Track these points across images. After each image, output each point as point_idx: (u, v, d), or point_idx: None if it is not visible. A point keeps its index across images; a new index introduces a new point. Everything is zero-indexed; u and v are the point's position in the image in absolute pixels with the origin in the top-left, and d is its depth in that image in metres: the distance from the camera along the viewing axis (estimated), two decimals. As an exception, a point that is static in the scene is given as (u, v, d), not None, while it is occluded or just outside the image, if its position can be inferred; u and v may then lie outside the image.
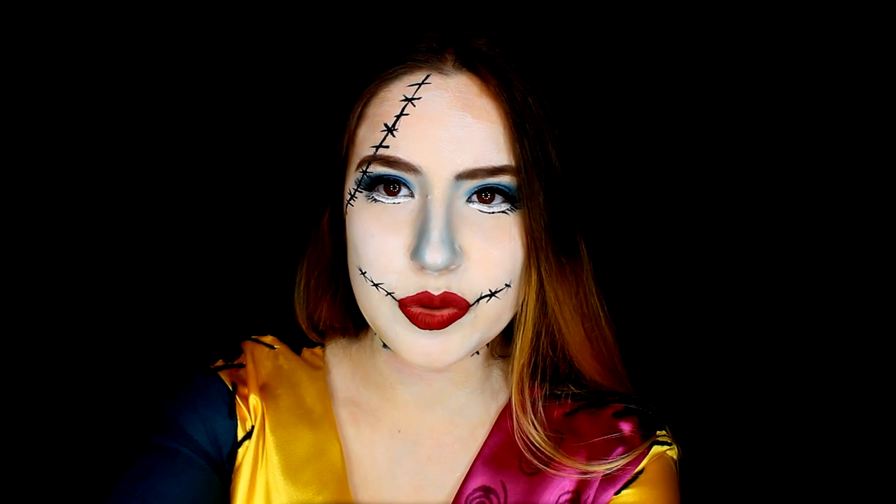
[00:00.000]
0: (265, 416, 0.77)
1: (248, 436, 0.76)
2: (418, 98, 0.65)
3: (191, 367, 0.81)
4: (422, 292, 0.66)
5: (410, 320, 0.67)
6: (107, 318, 1.11)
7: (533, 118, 0.66)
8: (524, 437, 0.75)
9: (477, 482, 0.76)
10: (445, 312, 0.66)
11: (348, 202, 0.69)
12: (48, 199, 1.09)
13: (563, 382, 0.77)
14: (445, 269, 0.65)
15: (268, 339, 0.83)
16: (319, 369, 0.81)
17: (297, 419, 0.78)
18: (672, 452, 0.77)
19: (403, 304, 0.66)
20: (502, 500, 0.75)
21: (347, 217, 0.70)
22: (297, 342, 0.83)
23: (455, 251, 0.65)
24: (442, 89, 0.65)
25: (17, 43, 1.05)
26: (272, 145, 1.07)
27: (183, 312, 1.10)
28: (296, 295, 0.80)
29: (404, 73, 0.66)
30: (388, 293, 0.67)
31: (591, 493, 0.75)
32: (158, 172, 1.10)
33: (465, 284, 0.66)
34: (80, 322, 1.10)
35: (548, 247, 0.67)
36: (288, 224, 0.89)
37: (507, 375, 0.79)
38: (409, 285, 0.66)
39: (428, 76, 0.65)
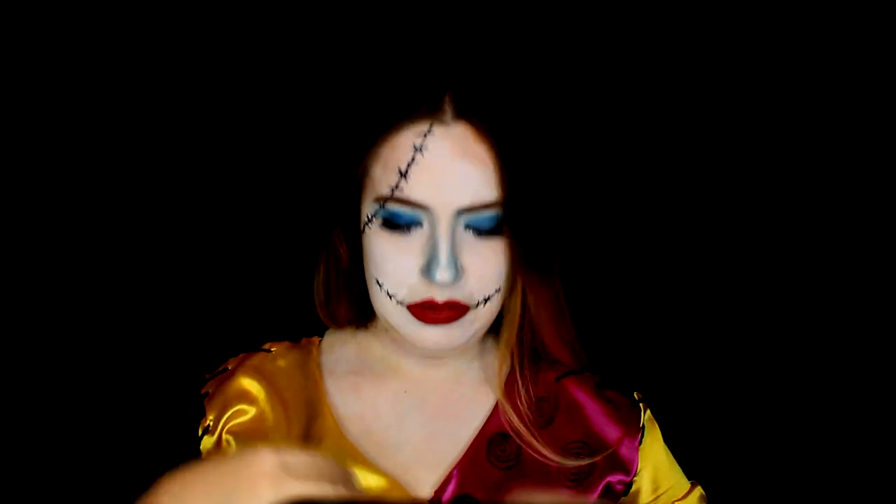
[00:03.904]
0: (257, 405, 0.87)
1: (205, 431, 0.86)
2: (426, 148, 0.77)
3: (199, 369, 0.91)
4: (428, 299, 0.80)
5: (418, 318, 0.81)
6: (116, 319, 1.15)
7: (519, 156, 0.79)
8: (522, 399, 0.88)
9: (495, 428, 0.87)
10: (449, 313, 0.80)
11: (366, 224, 0.82)
12: (70, 202, 1.13)
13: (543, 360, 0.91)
14: (451, 284, 0.79)
15: (265, 346, 0.93)
16: (312, 354, 0.92)
17: (297, 401, 0.88)
18: (648, 410, 0.92)
19: (412, 308, 0.81)
20: (516, 448, 0.86)
21: (365, 237, 0.83)
22: (297, 333, 0.95)
23: (458, 269, 0.79)
24: (444, 139, 0.78)
25: (17, 43, 1.08)
26: (287, 158, 1.14)
27: (193, 311, 1.16)
28: (315, 293, 0.91)
29: (411, 124, 0.78)
30: (400, 302, 0.81)
31: (602, 445, 0.87)
32: (170, 175, 1.15)
33: (465, 294, 0.81)
34: (92, 324, 1.15)
35: (527, 264, 0.82)
36: (297, 228, 0.99)
37: (502, 344, 0.90)
38: (418, 294, 0.80)
39: (431, 126, 0.78)
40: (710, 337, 1.18)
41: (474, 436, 0.86)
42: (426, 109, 0.78)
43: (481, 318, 0.83)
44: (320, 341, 0.94)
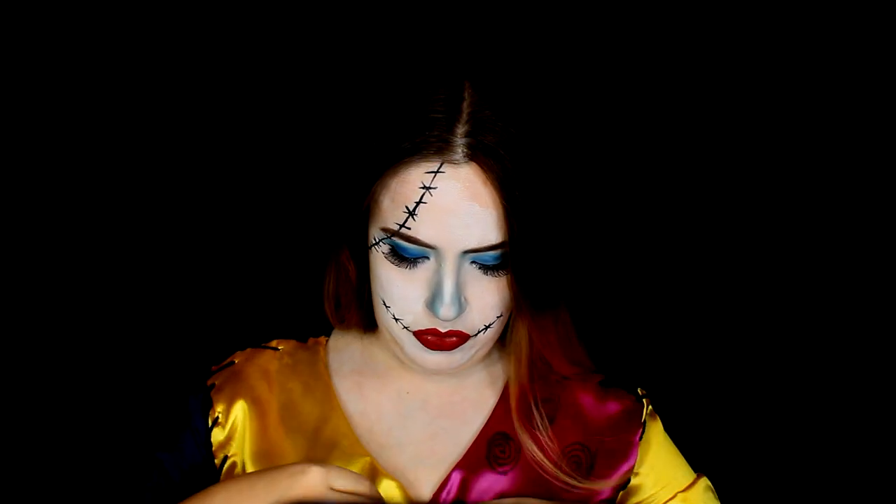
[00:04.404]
0: (263, 403, 0.89)
1: (214, 423, 0.88)
2: (434, 188, 0.77)
3: (204, 365, 0.93)
4: (431, 329, 0.82)
5: (423, 344, 0.83)
6: (120, 318, 1.17)
7: (524, 199, 0.79)
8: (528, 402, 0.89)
9: (496, 428, 0.88)
10: (452, 340, 0.82)
11: (373, 246, 0.83)
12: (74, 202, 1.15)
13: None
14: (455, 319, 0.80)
15: (272, 343, 0.95)
16: (319, 354, 0.94)
17: (304, 399, 0.90)
18: (650, 405, 0.93)
19: (417, 333, 0.83)
20: (516, 449, 0.87)
21: (372, 256, 0.83)
22: (304, 333, 0.96)
23: (461, 304, 0.81)
24: (453, 179, 0.77)
25: (17, 43, 1.09)
26: (299, 163, 1.15)
27: (202, 309, 1.18)
28: (325, 297, 0.92)
29: (422, 160, 0.78)
30: (406, 327, 0.83)
31: (602, 445, 0.89)
32: (176, 176, 1.17)
33: (468, 324, 0.82)
34: (95, 324, 1.17)
35: (531, 302, 0.83)
36: (305, 241, 1.00)
37: (504, 352, 0.92)
38: (422, 323, 0.82)
39: (442, 164, 0.77)
40: (712, 335, 1.20)
41: (475, 436, 0.88)
42: (437, 147, 0.77)
43: (482, 342, 0.84)
44: (327, 341, 0.95)
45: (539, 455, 0.86)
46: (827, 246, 1.16)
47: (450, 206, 0.77)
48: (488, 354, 0.91)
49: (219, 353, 0.94)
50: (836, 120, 1.13)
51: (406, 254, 0.80)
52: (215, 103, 1.15)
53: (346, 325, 0.92)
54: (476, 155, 0.77)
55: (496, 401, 0.90)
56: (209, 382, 0.90)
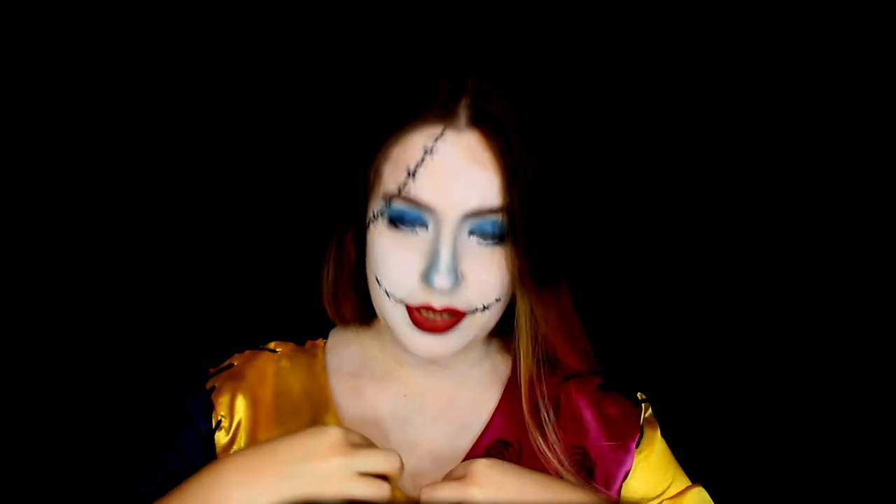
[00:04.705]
0: (262, 405, 0.88)
1: (217, 426, 0.87)
2: (436, 150, 0.78)
3: (202, 367, 0.92)
4: (426, 304, 0.80)
5: (416, 325, 0.80)
6: (117, 318, 1.17)
7: (525, 168, 0.79)
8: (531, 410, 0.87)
9: (495, 435, 0.87)
10: (445, 320, 0.80)
11: (371, 221, 0.82)
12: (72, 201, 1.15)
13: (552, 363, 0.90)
14: (449, 291, 0.78)
15: (270, 345, 0.94)
16: (317, 357, 0.93)
17: (302, 402, 0.89)
18: (650, 409, 0.92)
19: (410, 309, 0.80)
20: (516, 455, 0.86)
21: (369, 234, 0.83)
22: (302, 335, 0.96)
23: (457, 277, 0.79)
24: (456, 145, 0.78)
25: (17, 43, 1.09)
26: (299, 151, 1.14)
27: (200, 310, 1.17)
28: (323, 289, 0.91)
29: (424, 126, 0.79)
30: (398, 301, 0.80)
31: (601, 450, 0.87)
32: (181, 171, 1.16)
33: (464, 301, 0.80)
34: (91, 324, 1.16)
35: (529, 275, 0.82)
36: (306, 223, 0.99)
37: (501, 348, 0.93)
38: (416, 298, 0.80)
39: (444, 130, 0.78)
40: (714, 338, 1.19)
41: (472, 443, 0.86)
42: (440, 113, 0.78)
43: (477, 324, 0.82)
44: (325, 343, 0.94)
45: (542, 457, 0.84)
46: (829, 249, 1.15)
47: (451, 167, 0.77)
48: (487, 355, 0.91)
49: (217, 353, 0.93)
50: (837, 120, 1.13)
51: (405, 219, 0.79)
52: (211, 99, 1.15)
53: (343, 321, 0.91)
54: (479, 122, 0.78)
55: (495, 405, 0.89)
56: (209, 385, 0.89)
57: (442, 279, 0.77)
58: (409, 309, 0.80)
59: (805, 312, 1.17)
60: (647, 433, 0.90)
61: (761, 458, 1.17)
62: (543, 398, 0.86)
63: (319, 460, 0.73)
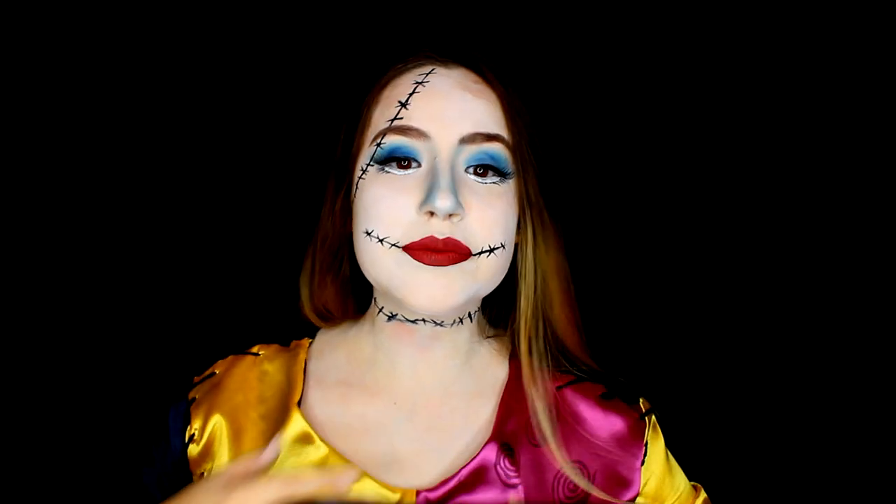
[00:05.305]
0: (243, 414, 0.84)
1: (190, 440, 0.84)
2: (427, 82, 0.78)
3: (185, 373, 0.90)
4: (427, 237, 0.75)
5: (415, 259, 0.75)
6: (109, 320, 1.13)
7: (518, 103, 0.80)
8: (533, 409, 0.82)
9: (492, 449, 0.81)
10: (449, 253, 0.75)
11: (360, 177, 0.79)
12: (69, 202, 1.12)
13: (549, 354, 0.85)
14: (452, 213, 0.75)
15: (254, 348, 0.90)
16: (298, 358, 0.88)
17: (282, 408, 0.84)
18: (654, 417, 0.87)
19: (409, 248, 0.75)
20: (513, 467, 0.81)
21: (358, 190, 0.79)
22: (288, 336, 0.91)
23: (458, 202, 0.75)
24: (448, 77, 0.79)
25: (17, 43, 1.07)
26: (280, 138, 1.12)
27: (182, 313, 1.13)
28: (301, 279, 0.88)
29: (414, 67, 0.80)
30: (394, 244, 0.76)
31: (602, 467, 0.82)
32: (163, 169, 1.13)
33: (467, 234, 0.76)
34: (84, 325, 1.13)
35: (539, 208, 0.80)
36: (290, 223, 0.97)
37: (497, 354, 0.87)
38: (416, 234, 0.75)
39: (434, 69, 0.79)
40: (716, 339, 1.16)
41: (465, 450, 0.81)
42: (429, 57, 0.80)
43: (483, 271, 0.77)
44: (310, 344, 0.90)
45: (542, 463, 0.81)
46: (830, 250, 1.14)
47: (443, 93, 0.77)
48: (483, 359, 0.86)
49: (202, 356, 0.90)
50: (837, 120, 1.12)
51: (398, 154, 0.77)
52: (207, 96, 1.12)
53: (325, 316, 0.88)
54: (468, 61, 0.80)
55: (490, 413, 0.84)
56: (190, 396, 0.86)
57: (444, 198, 0.73)
58: (407, 248, 0.75)
59: (805, 312, 1.15)
60: (652, 447, 0.85)
61: (761, 458, 1.15)
62: (543, 405, 0.82)
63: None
